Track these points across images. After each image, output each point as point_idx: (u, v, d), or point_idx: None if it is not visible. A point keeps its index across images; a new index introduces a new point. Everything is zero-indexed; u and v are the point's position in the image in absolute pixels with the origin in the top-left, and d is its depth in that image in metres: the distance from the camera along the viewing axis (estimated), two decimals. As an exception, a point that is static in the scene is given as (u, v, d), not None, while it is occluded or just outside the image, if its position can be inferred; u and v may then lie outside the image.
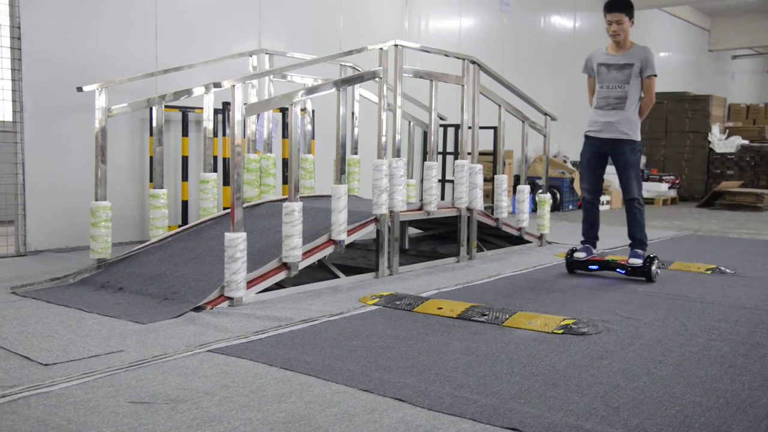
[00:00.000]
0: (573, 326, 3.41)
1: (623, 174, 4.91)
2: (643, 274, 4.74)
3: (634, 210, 4.88)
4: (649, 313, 3.80)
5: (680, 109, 13.33)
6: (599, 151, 4.98)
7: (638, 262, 4.74)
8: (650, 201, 11.89)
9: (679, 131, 13.34)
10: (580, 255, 5.00)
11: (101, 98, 4.52)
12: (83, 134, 5.43)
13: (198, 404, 2.36)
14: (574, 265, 5.03)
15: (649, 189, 11.94)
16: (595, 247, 5.10)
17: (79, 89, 4.60)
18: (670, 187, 12.24)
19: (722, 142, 12.96)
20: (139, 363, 2.77)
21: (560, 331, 3.35)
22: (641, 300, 4.16)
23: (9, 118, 5.25)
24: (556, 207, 9.93)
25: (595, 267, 4.97)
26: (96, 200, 4.49)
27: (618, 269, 4.84)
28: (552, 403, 2.42)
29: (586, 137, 5.02)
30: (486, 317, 3.58)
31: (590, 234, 5.09)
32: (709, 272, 5.17)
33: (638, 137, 4.87)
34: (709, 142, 13.00)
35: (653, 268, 4.72)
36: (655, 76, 4.82)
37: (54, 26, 5.38)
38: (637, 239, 4.89)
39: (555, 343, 3.18)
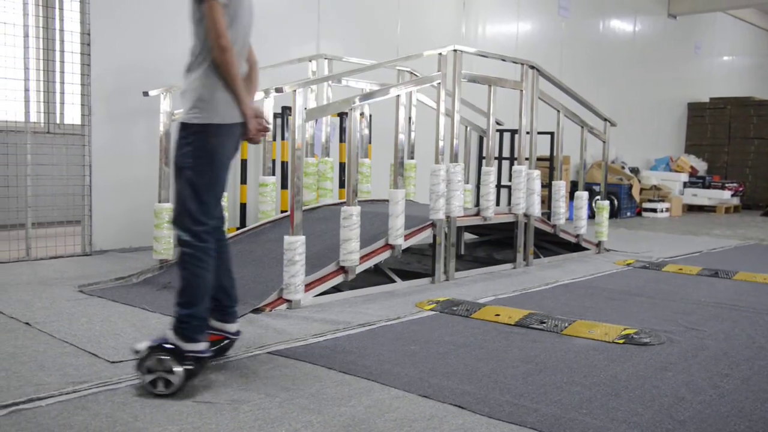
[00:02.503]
0: (634, 336, 3.34)
1: (175, 183, 2.75)
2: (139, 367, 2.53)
3: (179, 253, 2.70)
4: (715, 325, 3.70)
5: (744, 114, 12.94)
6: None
7: (139, 347, 2.60)
8: (712, 209, 11.57)
9: (743, 137, 12.94)
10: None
11: (165, 102, 4.63)
12: (148, 137, 5.59)
13: (260, 405, 2.39)
14: None
15: (710, 196, 11.62)
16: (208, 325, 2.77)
17: (145, 93, 4.73)
18: (732, 195, 11.88)
19: (789, 148, 12.52)
20: (202, 363, 2.82)
21: (621, 341, 3.28)
22: (705, 311, 4.05)
23: (78, 121, 5.43)
24: (614, 214, 9.76)
25: None
26: (159, 202, 4.60)
27: None
28: (615, 414, 2.38)
29: None
30: (545, 325, 3.53)
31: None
32: (776, 283, 5.00)
33: (203, 119, 2.64)
34: (775, 148, 12.58)
35: (151, 373, 2.47)
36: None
37: (121, 32, 5.55)
38: (175, 310, 2.65)
39: (616, 352, 3.12)
